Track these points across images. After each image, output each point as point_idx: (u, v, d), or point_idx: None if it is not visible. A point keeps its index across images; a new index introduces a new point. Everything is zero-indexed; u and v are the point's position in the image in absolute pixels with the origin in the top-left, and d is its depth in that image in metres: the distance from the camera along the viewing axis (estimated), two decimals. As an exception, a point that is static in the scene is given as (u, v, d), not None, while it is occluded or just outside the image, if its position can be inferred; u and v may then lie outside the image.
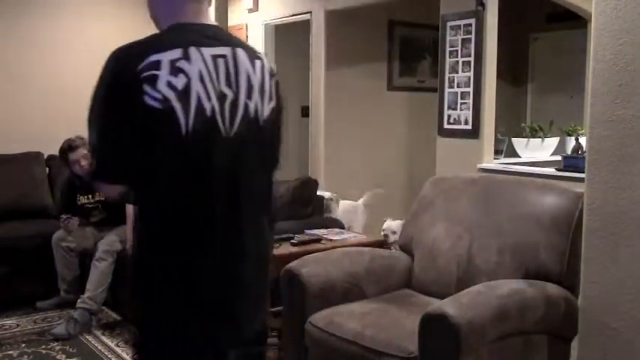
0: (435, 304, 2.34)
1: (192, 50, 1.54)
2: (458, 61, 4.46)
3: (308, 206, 3.97)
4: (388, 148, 6.12)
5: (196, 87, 1.52)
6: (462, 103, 4.46)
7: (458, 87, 4.48)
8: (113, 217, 4.15)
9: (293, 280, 2.78)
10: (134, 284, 1.63)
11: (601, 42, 2.15)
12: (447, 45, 4.52)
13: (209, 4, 1.68)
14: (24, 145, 5.06)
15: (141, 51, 1.51)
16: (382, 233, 4.07)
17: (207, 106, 1.53)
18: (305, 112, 6.33)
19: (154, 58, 1.49)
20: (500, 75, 4.52)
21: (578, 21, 5.00)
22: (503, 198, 2.89)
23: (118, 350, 3.66)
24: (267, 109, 1.65)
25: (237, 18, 6.64)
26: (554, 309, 2.48)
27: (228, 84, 1.57)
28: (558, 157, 4.40)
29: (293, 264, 2.83)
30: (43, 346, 3.66)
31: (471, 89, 4.38)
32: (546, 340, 2.48)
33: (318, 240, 3.39)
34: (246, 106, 1.60)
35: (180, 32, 1.59)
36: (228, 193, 1.57)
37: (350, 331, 2.52)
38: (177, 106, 1.49)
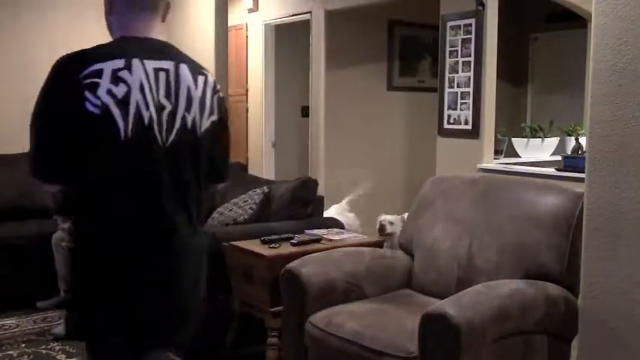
0: (435, 304, 2.34)
1: (135, 62, 1.62)
2: (458, 61, 4.46)
3: (308, 206, 3.96)
4: (388, 148, 6.12)
5: (136, 96, 1.60)
6: (462, 103, 4.46)
7: (458, 87, 4.48)
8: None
9: (293, 280, 2.78)
10: (71, 279, 1.75)
11: (601, 42, 2.15)
12: (447, 45, 4.52)
13: (162, 19, 1.78)
14: (24, 146, 5.05)
15: (85, 59, 1.59)
16: (378, 226, 4.03)
17: (145, 115, 1.61)
18: (305, 112, 6.34)
19: (96, 66, 1.57)
20: (500, 75, 4.53)
21: (578, 21, 5.00)
22: (503, 198, 2.89)
23: (118, 350, 3.65)
24: (206, 122, 1.74)
25: (237, 18, 6.64)
26: (554, 309, 2.49)
27: (168, 96, 1.66)
28: (558, 157, 4.41)
29: (293, 264, 2.83)
30: (43, 346, 3.66)
31: (471, 89, 4.38)
32: (546, 340, 2.48)
33: (318, 240, 3.38)
34: (184, 118, 1.69)
35: (126, 44, 1.68)
36: (163, 197, 1.66)
37: (350, 330, 2.52)
38: (116, 113, 1.57)
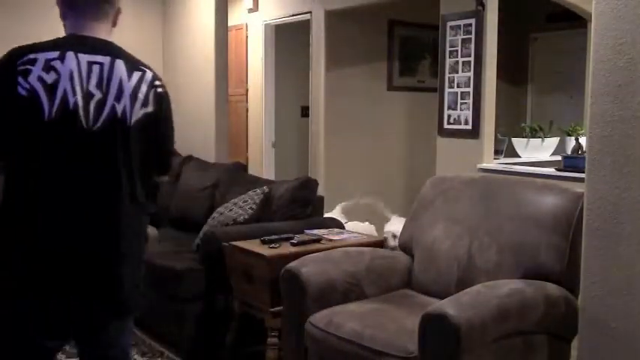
0: (435, 304, 2.34)
1: (69, 54, 1.82)
2: (458, 61, 4.46)
3: (308, 206, 3.96)
4: (388, 148, 6.12)
5: (64, 84, 1.79)
6: (462, 103, 4.46)
7: (458, 87, 4.48)
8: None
9: (293, 280, 2.78)
10: None
11: (601, 42, 2.14)
12: (447, 45, 4.52)
13: (113, 25, 1.99)
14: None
15: (25, 50, 1.82)
16: (384, 236, 4.00)
17: (70, 100, 1.80)
18: (305, 112, 6.34)
19: (32, 56, 1.80)
20: (500, 75, 4.52)
21: (578, 21, 5.01)
22: (503, 198, 2.89)
23: (118, 350, 3.65)
24: (137, 113, 1.89)
25: (237, 18, 6.65)
26: (554, 309, 2.49)
27: (99, 86, 1.84)
28: (558, 157, 4.41)
29: (293, 264, 2.83)
30: (43, 346, 3.65)
31: (470, 89, 4.38)
32: (546, 340, 2.48)
33: (318, 240, 3.38)
34: (114, 107, 1.85)
35: (68, 40, 1.90)
36: (82, 177, 1.83)
37: (350, 330, 2.52)
38: (42, 97, 1.77)
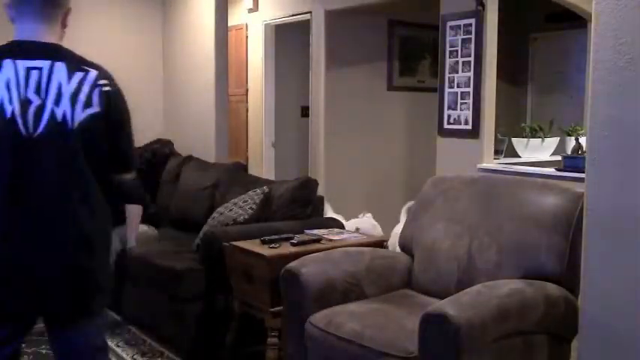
0: (435, 304, 2.34)
1: (6, 62, 1.83)
2: (458, 61, 4.46)
3: (308, 206, 3.96)
4: (388, 148, 6.12)
5: (1, 93, 1.80)
6: (462, 103, 4.45)
7: (458, 87, 4.47)
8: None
9: (293, 280, 2.78)
10: None
11: (601, 42, 2.14)
12: (447, 45, 4.52)
13: (63, 26, 1.96)
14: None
15: None
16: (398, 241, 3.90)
17: (7, 109, 1.80)
18: (305, 112, 6.34)
19: None
20: (500, 75, 4.52)
21: (578, 21, 5.00)
22: (503, 198, 2.89)
23: (118, 350, 3.66)
24: (80, 115, 1.88)
25: (237, 18, 6.65)
26: (554, 309, 2.49)
27: (38, 91, 1.82)
28: (558, 157, 4.40)
29: (293, 264, 2.83)
30: (43, 346, 3.65)
31: (470, 89, 4.38)
32: (546, 340, 2.48)
33: (318, 240, 3.38)
34: (53, 112, 1.85)
35: (8, 47, 1.89)
36: (30, 185, 1.83)
37: (350, 330, 2.52)
38: None
